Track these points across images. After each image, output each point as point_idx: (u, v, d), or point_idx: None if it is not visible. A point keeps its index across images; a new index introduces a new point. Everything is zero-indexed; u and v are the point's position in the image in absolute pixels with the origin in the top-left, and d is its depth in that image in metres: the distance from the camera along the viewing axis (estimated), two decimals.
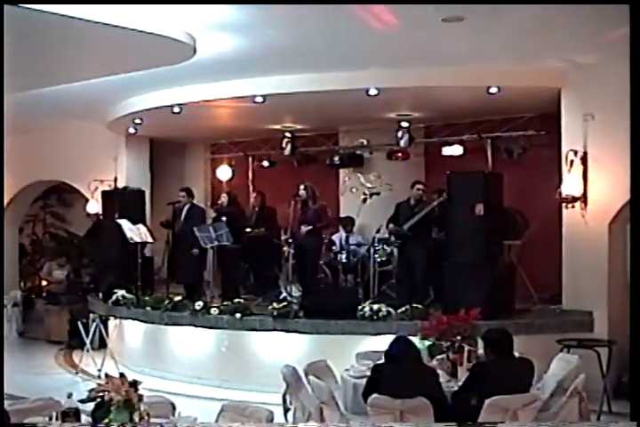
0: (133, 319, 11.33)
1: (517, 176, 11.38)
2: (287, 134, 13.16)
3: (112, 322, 12.07)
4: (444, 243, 10.25)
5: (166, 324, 10.78)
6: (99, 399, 4.89)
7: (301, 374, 7.14)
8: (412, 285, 10.67)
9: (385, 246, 11.25)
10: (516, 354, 6.82)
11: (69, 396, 5.24)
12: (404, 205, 10.93)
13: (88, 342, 11.27)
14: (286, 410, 7.04)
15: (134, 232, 11.55)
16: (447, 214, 10.17)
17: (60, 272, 14.72)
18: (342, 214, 12.94)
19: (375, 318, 9.55)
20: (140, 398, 4.93)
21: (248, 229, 11.91)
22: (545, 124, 11.20)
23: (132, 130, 13.07)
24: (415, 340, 7.25)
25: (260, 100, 10.51)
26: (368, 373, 6.72)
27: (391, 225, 10.92)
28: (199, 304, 10.43)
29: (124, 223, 11.62)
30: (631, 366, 5.74)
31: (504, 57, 9.26)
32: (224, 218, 11.48)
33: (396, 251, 11.16)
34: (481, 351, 7.12)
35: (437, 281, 10.40)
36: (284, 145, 13.23)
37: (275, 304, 10.06)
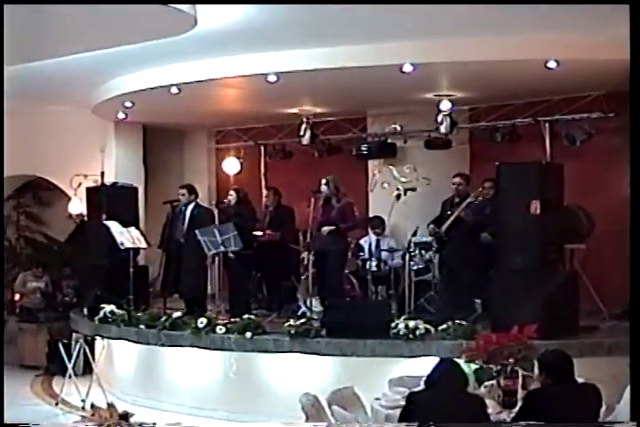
0: (124, 340, 11.38)
1: (581, 167, 11.35)
2: (306, 119, 13.18)
3: (99, 343, 12.12)
4: (493, 247, 10.24)
5: (163, 345, 10.82)
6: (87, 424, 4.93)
7: (324, 403, 7.15)
8: (454, 297, 10.67)
9: (422, 252, 11.25)
10: (579, 380, 6.80)
11: None
12: (447, 203, 10.98)
13: (70, 366, 11.30)
14: None
15: (125, 236, 11.60)
16: (497, 213, 10.16)
17: (37, 284, 14.78)
18: (371, 214, 12.96)
19: (411, 337, 9.54)
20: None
21: (260, 233, 11.95)
22: (614, 105, 11.15)
23: (121, 115, 13.13)
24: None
25: (273, 78, 10.53)
26: (403, 402, 6.71)
27: (432, 226, 10.95)
28: (202, 321, 10.46)
29: (114, 226, 11.68)
30: (631, 365, 5.80)
31: (564, 24, 9.21)
32: (231, 219, 11.52)
33: (436, 257, 11.16)
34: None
35: (485, 293, 10.40)
36: (301, 132, 13.24)
37: (292, 321, 10.08)
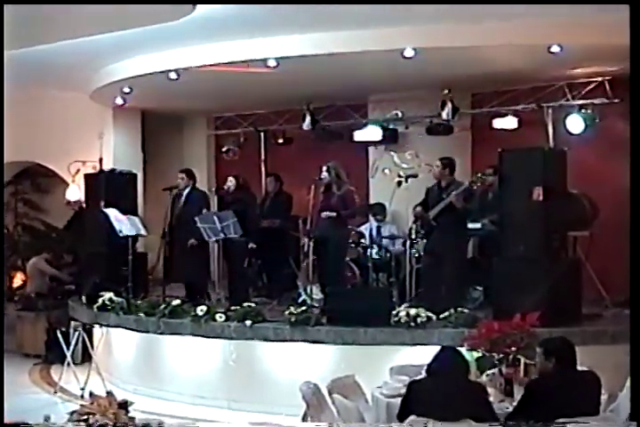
0: (123, 328, 11.38)
1: (585, 153, 11.32)
2: (306, 105, 13.16)
3: (98, 331, 12.13)
4: (494, 234, 10.24)
5: (163, 333, 10.81)
6: (82, 424, 4.92)
7: (324, 392, 7.16)
8: (440, 284, 10.58)
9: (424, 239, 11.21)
10: (579, 368, 6.80)
11: (47, 419, 5.26)
12: (434, 189, 10.85)
13: (69, 354, 11.31)
14: None
15: (124, 223, 11.60)
16: (499, 200, 10.16)
17: (48, 269, 14.67)
18: (372, 201, 12.94)
19: (413, 324, 9.54)
20: (132, 421, 4.96)
21: (260, 220, 11.94)
22: (619, 91, 11.13)
23: (119, 101, 13.10)
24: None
25: (273, 63, 10.51)
26: (404, 390, 6.72)
27: (419, 208, 10.85)
28: (202, 309, 10.46)
29: (112, 213, 11.68)
30: (631, 365, 5.82)
31: (568, 7, 9.19)
32: (231, 206, 11.51)
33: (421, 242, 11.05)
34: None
35: (487, 280, 10.40)
36: (302, 118, 13.23)
37: (292, 309, 10.08)
